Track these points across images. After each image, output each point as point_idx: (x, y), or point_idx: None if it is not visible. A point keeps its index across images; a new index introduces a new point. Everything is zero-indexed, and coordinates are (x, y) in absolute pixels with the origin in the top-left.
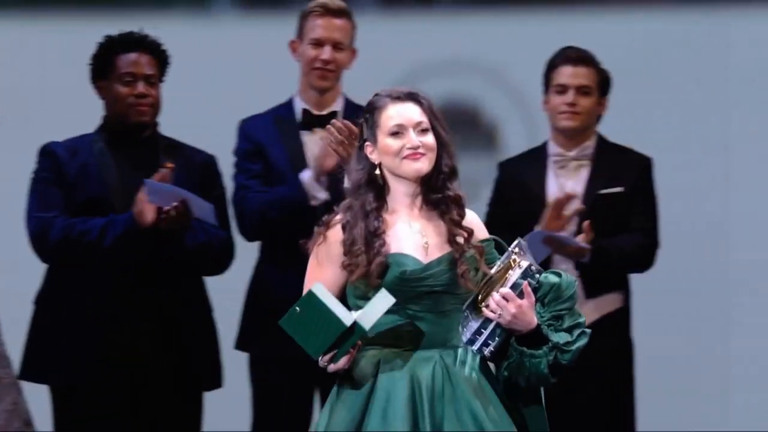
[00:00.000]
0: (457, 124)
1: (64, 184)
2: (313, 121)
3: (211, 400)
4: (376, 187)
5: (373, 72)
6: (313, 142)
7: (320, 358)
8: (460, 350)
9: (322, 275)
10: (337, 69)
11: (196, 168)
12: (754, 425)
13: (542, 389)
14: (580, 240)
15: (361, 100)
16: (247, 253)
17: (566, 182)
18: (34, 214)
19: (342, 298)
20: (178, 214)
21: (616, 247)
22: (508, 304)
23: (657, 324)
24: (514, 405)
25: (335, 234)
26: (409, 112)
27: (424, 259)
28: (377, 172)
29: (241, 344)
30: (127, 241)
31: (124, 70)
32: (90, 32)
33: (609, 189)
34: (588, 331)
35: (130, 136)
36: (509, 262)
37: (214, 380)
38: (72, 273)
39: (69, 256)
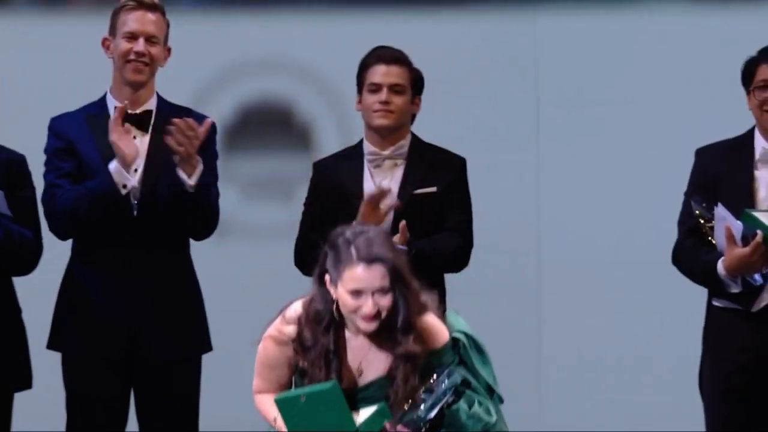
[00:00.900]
0: (270, 124)
1: None
2: (126, 119)
3: (23, 400)
4: (339, 324)
5: (187, 71)
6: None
7: None
8: None
9: (270, 371)
10: (152, 63)
11: (1, 166)
12: (565, 422)
13: None
14: (396, 240)
15: (175, 99)
16: (59, 252)
17: (382, 181)
18: None
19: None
20: None
21: (431, 248)
22: None
23: (470, 323)
24: None
25: (284, 340)
26: (373, 277)
27: (357, 383)
28: (334, 306)
29: (53, 344)
30: None
31: None
32: None
33: (423, 189)
34: None
35: None
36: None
37: (23, 381)
38: None
39: None
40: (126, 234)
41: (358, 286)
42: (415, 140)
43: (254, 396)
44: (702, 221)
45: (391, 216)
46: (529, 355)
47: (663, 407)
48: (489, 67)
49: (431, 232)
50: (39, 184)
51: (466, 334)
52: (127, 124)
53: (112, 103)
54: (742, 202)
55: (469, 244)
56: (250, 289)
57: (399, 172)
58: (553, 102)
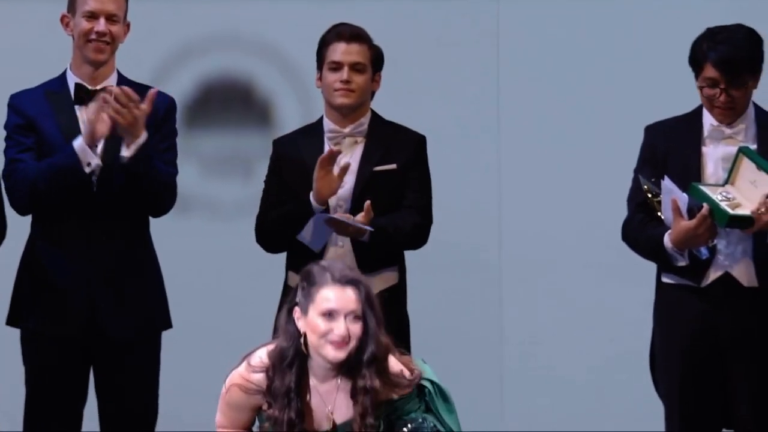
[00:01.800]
0: (230, 101)
1: None
2: (86, 96)
3: None
4: (301, 360)
5: (146, 48)
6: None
7: None
8: None
9: (233, 414)
10: (113, 42)
11: None
12: (526, 401)
13: None
14: (360, 219)
15: (135, 75)
16: (19, 228)
17: (342, 158)
18: None
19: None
20: None
21: (392, 225)
22: None
23: (431, 301)
24: None
25: (251, 388)
26: (346, 299)
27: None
28: (301, 341)
29: (12, 320)
30: None
31: None
32: None
33: (383, 166)
34: None
35: None
36: None
37: None
38: None
39: None
40: (85, 210)
41: (331, 306)
42: (375, 117)
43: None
44: (650, 196)
45: (350, 193)
46: (490, 333)
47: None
48: (450, 44)
49: (391, 209)
50: None
51: (432, 382)
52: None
53: (72, 80)
54: (691, 177)
55: (428, 221)
56: (210, 266)
57: (359, 150)
58: (514, 81)
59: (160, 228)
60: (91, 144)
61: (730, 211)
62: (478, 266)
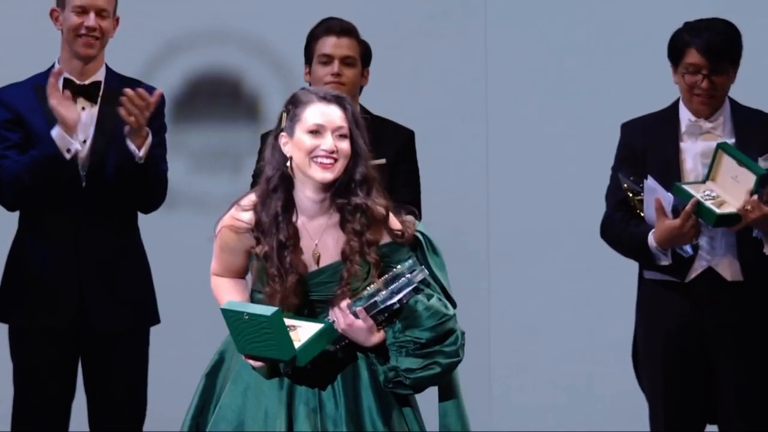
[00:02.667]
0: (218, 96)
1: None
2: (75, 90)
3: None
4: (286, 187)
5: (134, 42)
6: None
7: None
8: None
9: (227, 258)
10: (103, 37)
11: None
12: (514, 392)
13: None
14: None
15: (123, 70)
16: (6, 223)
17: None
18: None
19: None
20: None
21: None
22: (341, 317)
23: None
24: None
25: (241, 226)
26: (333, 115)
27: (310, 268)
28: (288, 165)
29: None
30: None
31: None
32: None
33: (372, 161)
34: (444, 362)
35: None
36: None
37: None
38: None
39: None
40: (74, 205)
41: (318, 121)
42: (364, 112)
43: (211, 277)
44: (630, 194)
45: None
46: (478, 326)
47: (611, 386)
48: (438, 37)
49: None
50: None
51: (423, 234)
52: (66, 90)
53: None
54: (670, 173)
55: (418, 215)
56: (197, 261)
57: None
58: (502, 75)
59: (148, 223)
60: (69, 131)
61: (718, 211)
62: (467, 259)
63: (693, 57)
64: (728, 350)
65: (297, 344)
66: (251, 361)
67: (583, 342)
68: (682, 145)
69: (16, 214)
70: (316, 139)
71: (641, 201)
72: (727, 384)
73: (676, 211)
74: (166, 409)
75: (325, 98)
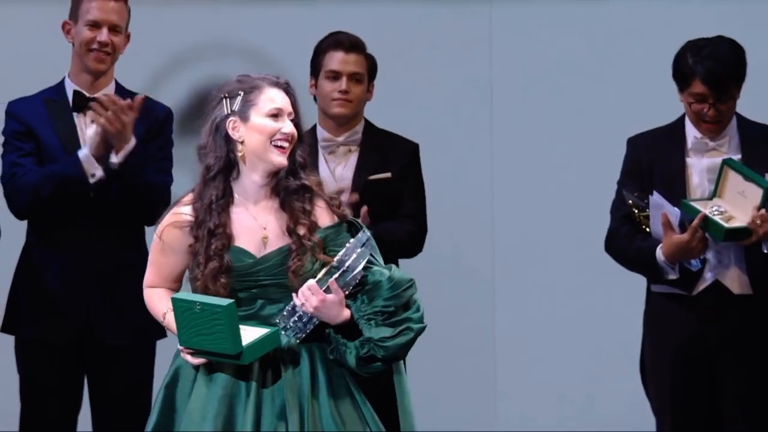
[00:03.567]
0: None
1: None
2: (85, 103)
3: None
4: (227, 174)
5: (140, 56)
6: (86, 124)
7: (183, 348)
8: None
9: (166, 261)
10: (114, 52)
11: None
12: (519, 405)
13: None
14: None
15: (129, 84)
16: (14, 234)
17: (336, 167)
18: None
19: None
20: None
21: (388, 234)
22: (312, 296)
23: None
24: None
25: (184, 220)
26: (286, 101)
27: (259, 254)
28: (239, 150)
29: (7, 327)
30: None
31: None
32: None
33: (377, 174)
34: (416, 327)
35: None
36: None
37: None
38: None
39: None
40: (83, 217)
41: (278, 105)
42: (369, 126)
43: (144, 290)
44: (636, 211)
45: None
46: (483, 339)
47: (615, 392)
48: (443, 51)
49: (386, 217)
50: None
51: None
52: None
53: (70, 88)
54: (676, 189)
55: (423, 229)
56: None
57: (353, 159)
58: (507, 87)
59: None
60: (97, 155)
61: (726, 225)
62: (471, 273)
63: (698, 87)
64: (735, 363)
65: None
66: (189, 357)
67: (590, 356)
68: (688, 160)
69: (23, 225)
70: (277, 123)
71: (646, 217)
72: (734, 397)
73: (683, 227)
74: None
75: (278, 83)
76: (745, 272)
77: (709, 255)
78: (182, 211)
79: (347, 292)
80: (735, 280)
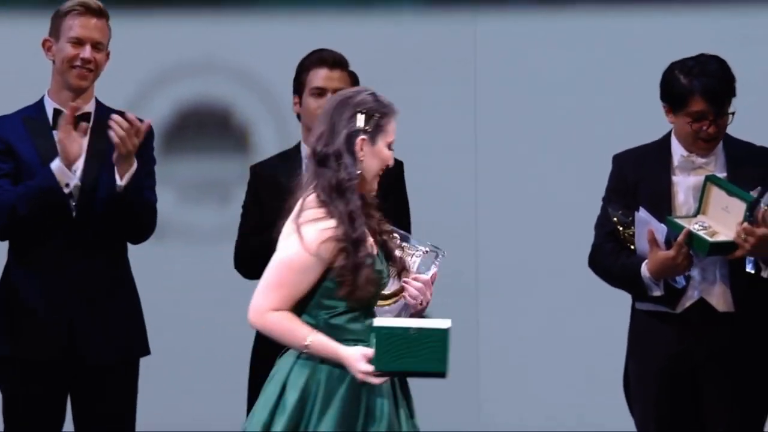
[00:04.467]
0: (208, 126)
1: None
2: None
3: None
4: (354, 188)
5: (124, 73)
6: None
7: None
8: None
9: (307, 279)
10: (96, 69)
11: None
12: (504, 424)
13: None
14: None
15: (112, 101)
16: None
17: None
18: None
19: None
20: None
21: None
22: (426, 290)
23: None
24: None
25: (338, 234)
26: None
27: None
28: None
29: None
30: None
31: None
32: None
33: None
34: None
35: None
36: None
37: None
38: None
39: None
40: (64, 235)
41: (393, 138)
42: None
43: (266, 315)
44: (620, 228)
45: None
46: (467, 356)
47: (598, 407)
48: (428, 69)
49: None
50: None
51: None
52: (83, 123)
53: (50, 105)
54: (662, 206)
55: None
56: (187, 291)
57: None
58: (492, 105)
59: (137, 254)
60: (68, 165)
61: (711, 239)
62: (456, 291)
63: (697, 105)
64: (719, 382)
65: None
66: (375, 379)
67: (574, 373)
68: (674, 178)
69: (5, 244)
70: (389, 153)
71: (631, 234)
72: (718, 416)
73: (668, 243)
74: None
75: (396, 113)
76: (730, 290)
77: (694, 272)
78: (330, 225)
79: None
80: (720, 298)
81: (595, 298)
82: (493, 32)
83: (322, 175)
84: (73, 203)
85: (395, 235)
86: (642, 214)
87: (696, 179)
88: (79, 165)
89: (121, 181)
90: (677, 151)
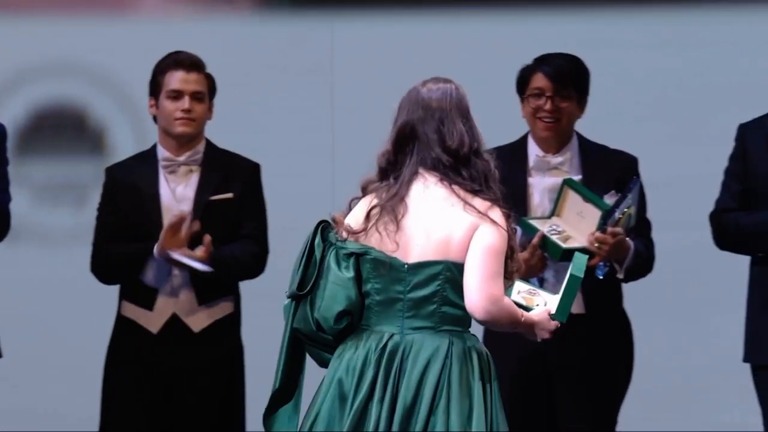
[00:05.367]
0: (63, 128)
1: None
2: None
3: None
4: None
5: None
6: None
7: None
8: None
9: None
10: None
11: None
12: None
13: None
14: (200, 253)
15: None
16: None
17: (177, 187)
18: None
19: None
20: None
21: (232, 258)
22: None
23: (264, 329)
24: None
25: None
26: None
27: None
28: None
29: None
30: None
31: None
32: None
33: (219, 195)
34: None
35: None
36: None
37: None
38: None
39: None
40: None
41: None
42: (210, 146)
43: (502, 301)
44: None
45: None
46: None
47: None
48: (285, 72)
49: (228, 238)
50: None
51: None
52: None
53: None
54: (517, 208)
55: (265, 250)
56: (41, 294)
57: (194, 178)
58: (349, 109)
59: None
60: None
61: (564, 245)
62: None
63: (538, 81)
64: (571, 380)
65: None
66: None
67: None
68: (530, 180)
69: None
70: None
71: None
72: (571, 413)
73: (523, 246)
74: None
75: None
76: (580, 291)
77: (548, 275)
78: (502, 209)
79: None
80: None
81: None
82: (349, 35)
83: (466, 168)
84: None
85: None
86: None
87: (552, 180)
88: None
89: None
90: (533, 151)
